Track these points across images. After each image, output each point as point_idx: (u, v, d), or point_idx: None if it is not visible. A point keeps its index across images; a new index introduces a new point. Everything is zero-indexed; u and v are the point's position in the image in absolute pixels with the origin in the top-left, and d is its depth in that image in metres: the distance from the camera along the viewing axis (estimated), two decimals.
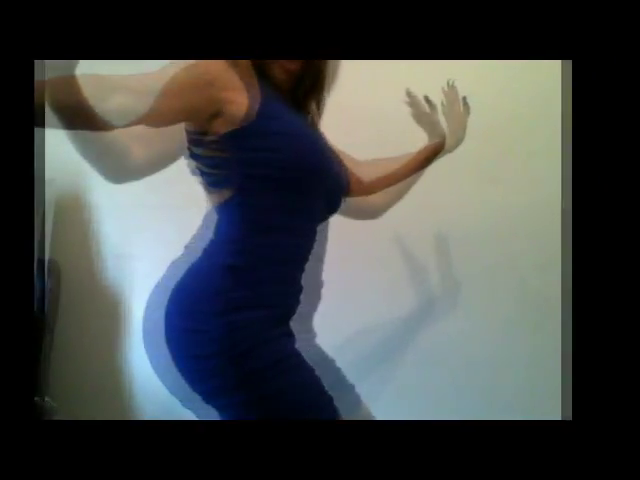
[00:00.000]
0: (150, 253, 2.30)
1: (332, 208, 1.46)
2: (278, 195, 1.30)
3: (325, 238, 1.49)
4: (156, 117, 1.19)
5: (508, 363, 2.11)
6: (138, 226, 2.37)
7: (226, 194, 1.31)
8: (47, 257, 2.29)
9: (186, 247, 1.39)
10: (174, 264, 1.35)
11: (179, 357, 1.30)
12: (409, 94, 1.73)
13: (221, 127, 1.26)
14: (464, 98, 1.73)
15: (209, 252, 1.34)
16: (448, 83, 1.72)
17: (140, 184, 1.38)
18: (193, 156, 1.34)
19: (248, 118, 1.25)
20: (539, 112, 2.07)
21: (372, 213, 1.75)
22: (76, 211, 2.40)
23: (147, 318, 1.35)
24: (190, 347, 1.27)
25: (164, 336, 1.32)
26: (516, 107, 2.08)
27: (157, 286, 1.35)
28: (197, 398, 1.28)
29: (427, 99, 1.73)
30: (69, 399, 2.33)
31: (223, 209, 1.34)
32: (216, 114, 1.25)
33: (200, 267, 1.33)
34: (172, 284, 1.30)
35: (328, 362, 1.51)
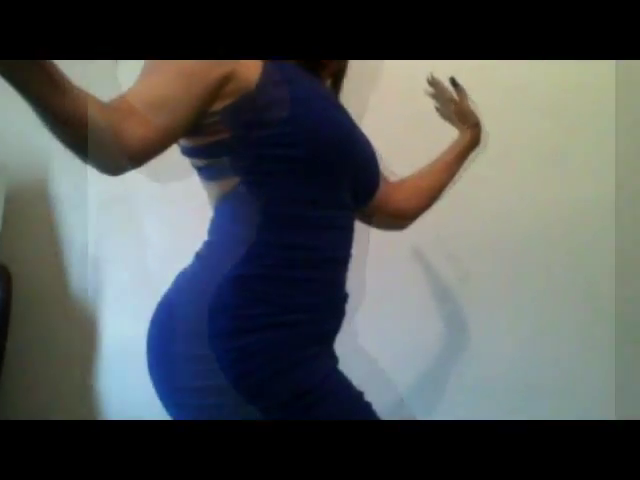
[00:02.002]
0: (126, 257, 2.17)
1: (362, 196, 1.36)
2: (297, 179, 1.19)
3: (367, 238, 1.46)
4: (156, 86, 1.10)
5: (576, 383, 1.91)
6: (111, 224, 2.23)
7: (229, 185, 1.20)
8: None
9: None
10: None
11: (169, 389, 1.19)
12: (432, 81, 1.58)
13: (226, 97, 1.15)
14: (452, 80, 1.58)
15: (206, 258, 1.24)
16: (428, 80, 1.59)
17: None
18: (185, 151, 1.25)
19: (260, 82, 1.16)
20: (593, 110, 1.95)
21: (400, 219, 1.61)
22: (33, 205, 2.25)
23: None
24: (186, 378, 1.16)
25: (147, 362, 1.23)
26: (571, 105, 1.97)
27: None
28: None
29: (454, 81, 1.59)
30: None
31: (224, 204, 1.23)
32: (226, 78, 1.14)
33: (196, 277, 1.23)
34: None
35: (371, 363, 1.44)
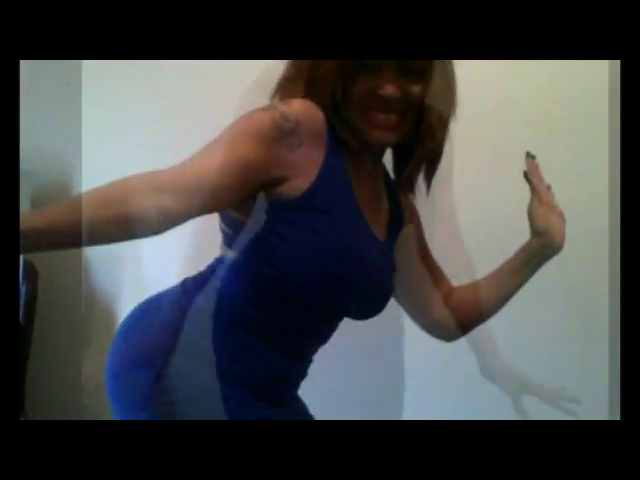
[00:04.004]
0: (142, 255, 2.15)
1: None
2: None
3: None
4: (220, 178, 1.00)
5: (554, 377, 1.80)
6: None
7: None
8: (22, 259, 2.08)
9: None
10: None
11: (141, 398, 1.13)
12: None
13: (270, 194, 1.07)
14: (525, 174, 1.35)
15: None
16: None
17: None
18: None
19: (306, 193, 1.06)
20: (584, 112, 1.95)
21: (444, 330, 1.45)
22: None
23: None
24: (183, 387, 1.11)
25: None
26: (560, 107, 1.96)
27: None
28: None
29: (526, 176, 1.36)
30: (48, 417, 2.17)
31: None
32: (280, 180, 1.05)
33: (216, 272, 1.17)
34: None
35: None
